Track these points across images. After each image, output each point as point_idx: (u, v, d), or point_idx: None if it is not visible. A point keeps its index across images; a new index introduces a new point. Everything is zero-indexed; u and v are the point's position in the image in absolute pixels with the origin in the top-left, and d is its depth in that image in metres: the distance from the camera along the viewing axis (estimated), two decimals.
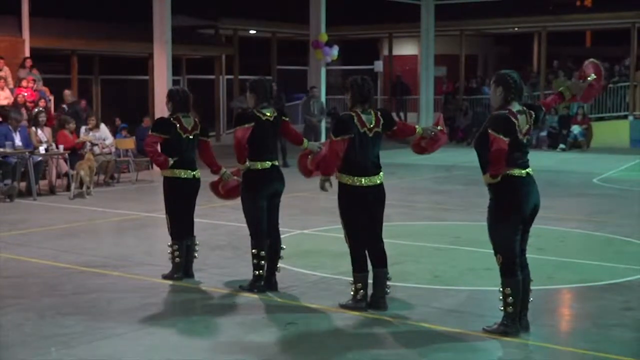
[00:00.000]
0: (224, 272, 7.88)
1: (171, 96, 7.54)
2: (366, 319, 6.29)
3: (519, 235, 5.81)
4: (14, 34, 18.66)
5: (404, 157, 21.57)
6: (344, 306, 6.51)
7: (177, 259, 7.49)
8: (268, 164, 6.91)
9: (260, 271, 7.02)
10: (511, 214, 5.73)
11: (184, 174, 7.40)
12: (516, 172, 5.74)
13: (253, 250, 7.00)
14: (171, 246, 7.49)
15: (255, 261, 7.01)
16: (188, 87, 25.53)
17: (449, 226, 10.66)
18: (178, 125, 7.39)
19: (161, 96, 17.93)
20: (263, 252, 6.98)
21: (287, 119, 7.16)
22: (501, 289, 5.81)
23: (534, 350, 5.63)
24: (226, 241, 9.43)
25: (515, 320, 5.79)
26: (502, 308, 5.82)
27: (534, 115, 5.87)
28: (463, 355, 5.53)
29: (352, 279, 6.50)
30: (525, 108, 5.84)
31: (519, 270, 5.79)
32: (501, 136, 5.58)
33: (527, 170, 5.81)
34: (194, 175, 7.47)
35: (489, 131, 5.63)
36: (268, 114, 6.94)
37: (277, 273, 7.16)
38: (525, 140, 5.79)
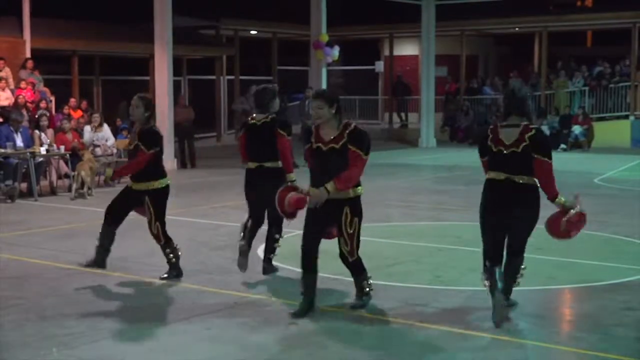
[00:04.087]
0: (224, 272, 7.88)
1: (152, 106, 7.60)
2: (366, 318, 6.29)
3: (491, 233, 6.08)
4: (15, 35, 18.68)
5: (405, 157, 21.59)
6: (354, 306, 6.53)
7: (173, 259, 7.57)
8: (252, 164, 7.48)
9: (242, 235, 7.56)
10: (481, 211, 6.15)
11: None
12: (493, 175, 6.03)
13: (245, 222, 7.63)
14: (163, 248, 7.55)
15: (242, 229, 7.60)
16: (189, 87, 25.61)
17: (450, 226, 10.66)
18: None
19: (162, 97, 17.93)
20: (250, 223, 7.56)
21: (282, 133, 7.34)
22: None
23: (535, 350, 5.64)
24: (227, 242, 9.43)
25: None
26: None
27: (531, 134, 5.93)
28: (463, 356, 5.53)
29: (364, 280, 6.54)
30: (524, 124, 5.95)
31: (490, 262, 6.08)
32: (479, 156, 6.18)
33: (508, 176, 5.94)
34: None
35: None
36: (256, 119, 7.48)
37: (273, 259, 7.73)
38: (508, 152, 5.93)
